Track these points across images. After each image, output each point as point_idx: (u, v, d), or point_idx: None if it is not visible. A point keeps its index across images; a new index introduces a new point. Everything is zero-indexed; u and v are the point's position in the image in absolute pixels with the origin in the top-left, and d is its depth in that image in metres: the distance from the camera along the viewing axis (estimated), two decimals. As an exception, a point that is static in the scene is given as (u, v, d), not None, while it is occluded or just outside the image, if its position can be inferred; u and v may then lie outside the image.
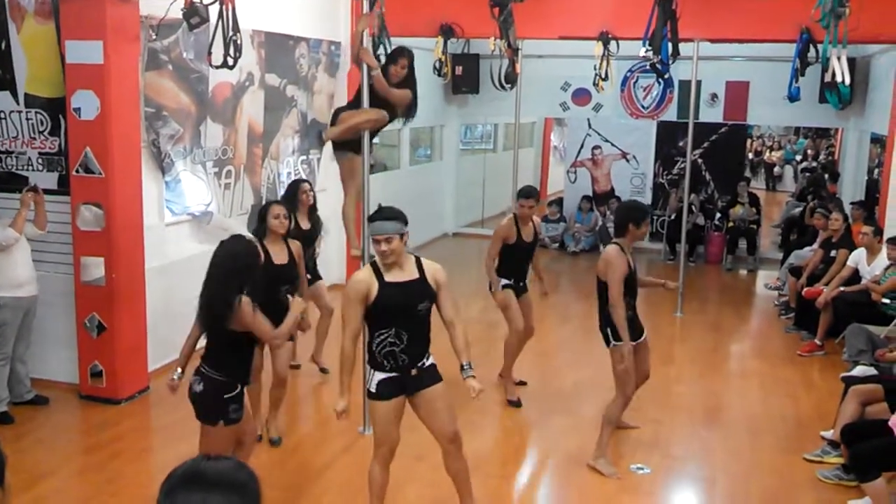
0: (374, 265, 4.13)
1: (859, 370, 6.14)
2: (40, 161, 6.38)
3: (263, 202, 8.16)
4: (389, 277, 4.06)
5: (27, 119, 6.34)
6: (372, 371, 4.14)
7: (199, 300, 4.16)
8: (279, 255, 5.43)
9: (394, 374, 4.10)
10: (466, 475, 4.44)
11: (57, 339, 6.41)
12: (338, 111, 6.02)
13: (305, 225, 6.45)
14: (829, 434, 5.63)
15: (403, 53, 5.73)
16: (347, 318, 4.10)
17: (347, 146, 5.82)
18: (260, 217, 5.55)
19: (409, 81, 5.74)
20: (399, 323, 4.06)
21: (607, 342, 5.23)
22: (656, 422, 6.13)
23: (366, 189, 5.70)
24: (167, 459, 4.11)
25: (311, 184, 6.51)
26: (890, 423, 4.71)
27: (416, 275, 4.14)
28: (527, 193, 6.46)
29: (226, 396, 4.13)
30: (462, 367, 4.25)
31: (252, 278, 4.17)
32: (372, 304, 4.04)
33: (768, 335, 8.77)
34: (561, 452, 5.66)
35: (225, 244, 4.23)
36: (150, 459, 5.56)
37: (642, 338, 5.42)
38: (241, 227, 7.78)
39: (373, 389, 4.14)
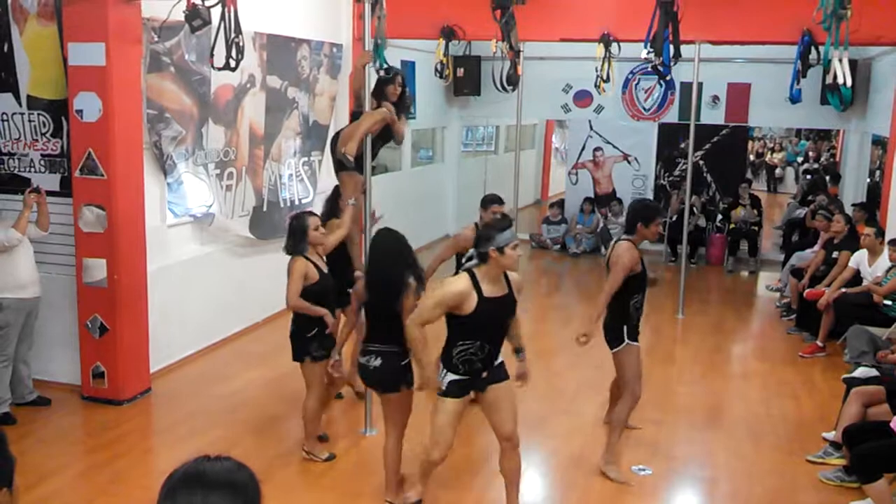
0: (472, 276, 4.10)
1: (861, 372, 6.13)
2: (42, 163, 6.39)
3: (265, 204, 8.19)
4: (487, 292, 4.09)
5: (29, 121, 6.35)
6: (444, 371, 4.24)
7: (371, 284, 4.55)
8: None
9: (465, 378, 4.21)
10: (517, 475, 4.50)
11: (59, 340, 6.42)
12: (338, 133, 6.06)
13: None
14: (830, 435, 5.63)
15: (399, 73, 6.06)
16: (426, 314, 4.15)
17: (355, 164, 5.76)
18: (298, 230, 5.25)
19: (403, 97, 6.05)
20: (486, 336, 4.15)
21: (618, 342, 5.13)
22: (657, 422, 6.13)
23: (368, 191, 5.70)
24: (169, 460, 4.09)
25: None
26: (892, 425, 4.71)
27: (506, 289, 4.19)
28: (495, 200, 6.08)
29: (402, 364, 4.53)
30: (517, 350, 4.50)
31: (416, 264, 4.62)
32: (467, 316, 4.06)
33: (770, 336, 8.77)
34: (563, 453, 5.66)
35: (388, 236, 4.63)
36: (152, 460, 5.56)
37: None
38: (243, 229, 7.81)
39: (443, 387, 4.24)
